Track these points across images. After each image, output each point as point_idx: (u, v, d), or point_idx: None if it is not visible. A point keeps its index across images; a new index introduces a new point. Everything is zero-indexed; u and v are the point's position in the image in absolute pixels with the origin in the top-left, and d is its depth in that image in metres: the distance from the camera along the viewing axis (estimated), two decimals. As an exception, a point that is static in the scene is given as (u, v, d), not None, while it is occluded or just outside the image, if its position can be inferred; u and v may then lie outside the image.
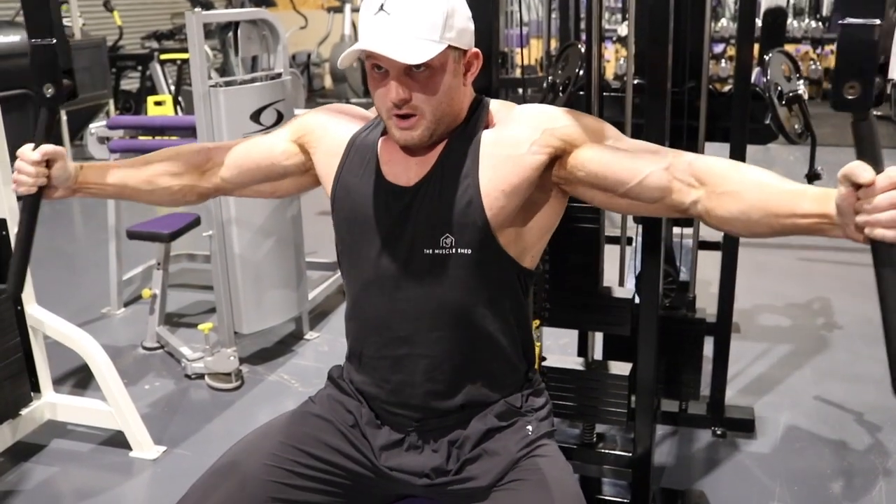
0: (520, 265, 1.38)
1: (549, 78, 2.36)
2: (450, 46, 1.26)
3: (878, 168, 1.02)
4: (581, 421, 2.25)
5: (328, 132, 1.46)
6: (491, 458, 1.37)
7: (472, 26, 1.33)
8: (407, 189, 1.35)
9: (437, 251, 1.33)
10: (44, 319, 2.58)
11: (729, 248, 2.56)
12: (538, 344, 2.06)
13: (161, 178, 1.57)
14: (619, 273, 2.33)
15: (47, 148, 1.47)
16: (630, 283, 2.34)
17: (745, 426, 2.63)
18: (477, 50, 1.35)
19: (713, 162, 1.29)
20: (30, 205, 1.51)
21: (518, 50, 4.27)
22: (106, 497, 2.43)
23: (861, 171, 1.01)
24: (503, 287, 1.38)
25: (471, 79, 1.36)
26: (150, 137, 3.77)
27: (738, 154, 2.39)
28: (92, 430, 2.72)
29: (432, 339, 1.36)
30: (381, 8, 1.24)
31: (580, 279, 2.02)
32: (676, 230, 2.59)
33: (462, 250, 1.32)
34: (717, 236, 2.25)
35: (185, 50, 6.82)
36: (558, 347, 3.06)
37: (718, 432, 2.61)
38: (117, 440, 2.65)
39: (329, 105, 1.56)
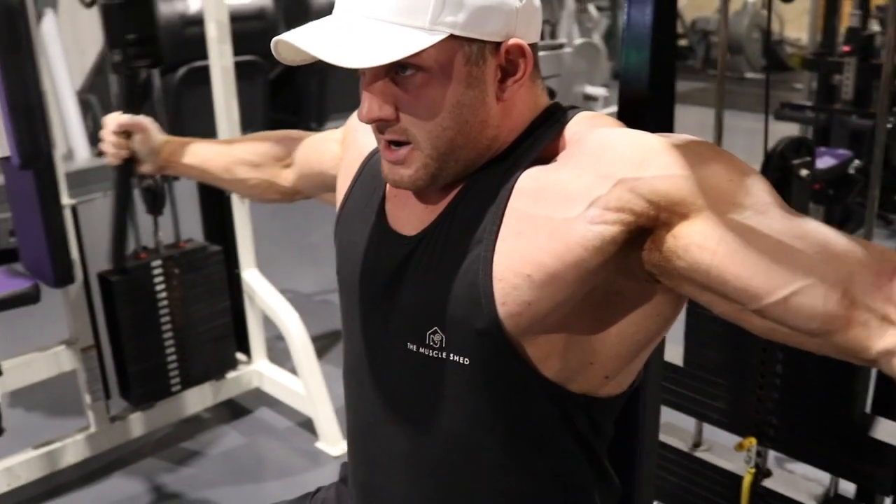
0: (576, 395, 0.82)
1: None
2: (453, 37, 0.75)
3: None
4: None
5: (357, 138, 1.02)
6: None
7: None
8: (408, 239, 0.86)
9: (421, 350, 0.83)
10: (255, 287, 2.50)
11: None
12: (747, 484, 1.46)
13: (238, 167, 1.28)
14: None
15: (122, 119, 1.33)
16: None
17: None
18: (519, 41, 0.78)
19: None
20: (118, 176, 1.47)
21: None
22: (274, 486, 2.30)
23: None
24: (536, 429, 0.83)
25: (516, 89, 0.80)
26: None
27: None
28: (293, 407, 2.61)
29: (402, 494, 0.89)
30: None
31: (826, 397, 1.39)
32: None
33: (456, 358, 0.81)
34: None
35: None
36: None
37: None
38: (311, 425, 2.52)
39: None
